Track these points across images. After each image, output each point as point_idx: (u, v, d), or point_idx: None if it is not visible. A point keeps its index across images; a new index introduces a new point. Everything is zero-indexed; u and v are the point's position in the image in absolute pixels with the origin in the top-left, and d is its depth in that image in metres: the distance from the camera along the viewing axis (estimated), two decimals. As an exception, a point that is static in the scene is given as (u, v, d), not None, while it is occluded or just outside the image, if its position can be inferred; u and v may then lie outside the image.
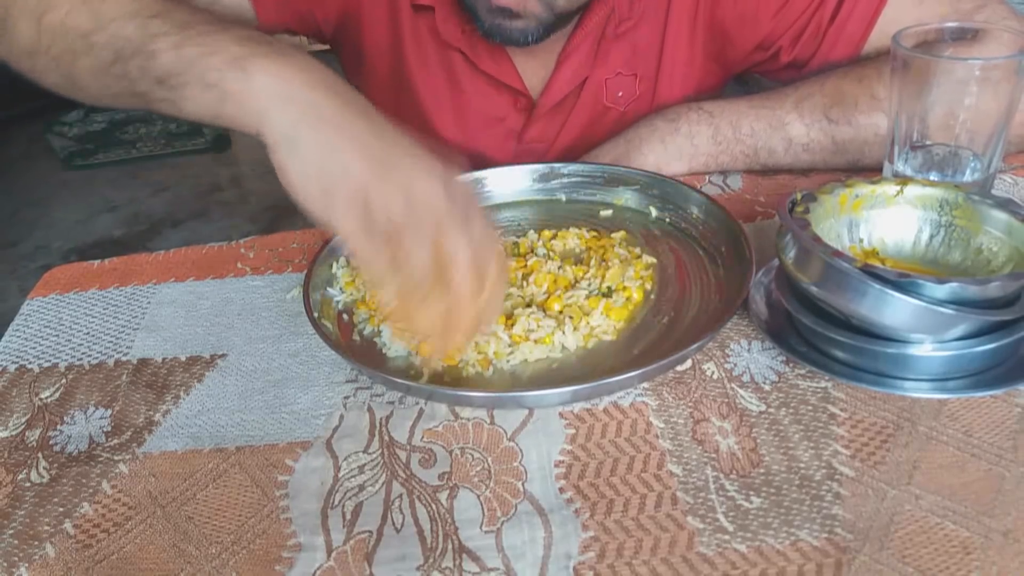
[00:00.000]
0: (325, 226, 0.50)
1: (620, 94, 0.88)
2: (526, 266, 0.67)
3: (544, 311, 0.63)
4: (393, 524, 0.49)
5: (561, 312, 0.62)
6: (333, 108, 0.50)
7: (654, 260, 0.69)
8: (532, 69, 0.88)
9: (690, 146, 0.81)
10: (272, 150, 0.50)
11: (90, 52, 0.59)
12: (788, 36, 0.83)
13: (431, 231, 0.49)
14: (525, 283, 0.66)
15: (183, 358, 0.65)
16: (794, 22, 0.82)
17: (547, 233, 0.73)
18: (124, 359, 0.66)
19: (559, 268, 0.67)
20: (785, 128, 0.79)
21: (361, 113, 0.51)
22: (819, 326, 0.56)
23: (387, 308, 0.53)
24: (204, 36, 0.53)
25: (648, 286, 0.66)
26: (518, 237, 0.73)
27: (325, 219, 0.49)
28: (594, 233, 0.72)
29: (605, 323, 0.62)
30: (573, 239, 0.71)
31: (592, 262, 0.68)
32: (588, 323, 0.61)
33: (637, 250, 0.70)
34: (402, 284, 0.50)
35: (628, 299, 0.64)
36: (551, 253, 0.70)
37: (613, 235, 0.72)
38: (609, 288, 0.64)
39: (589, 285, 0.65)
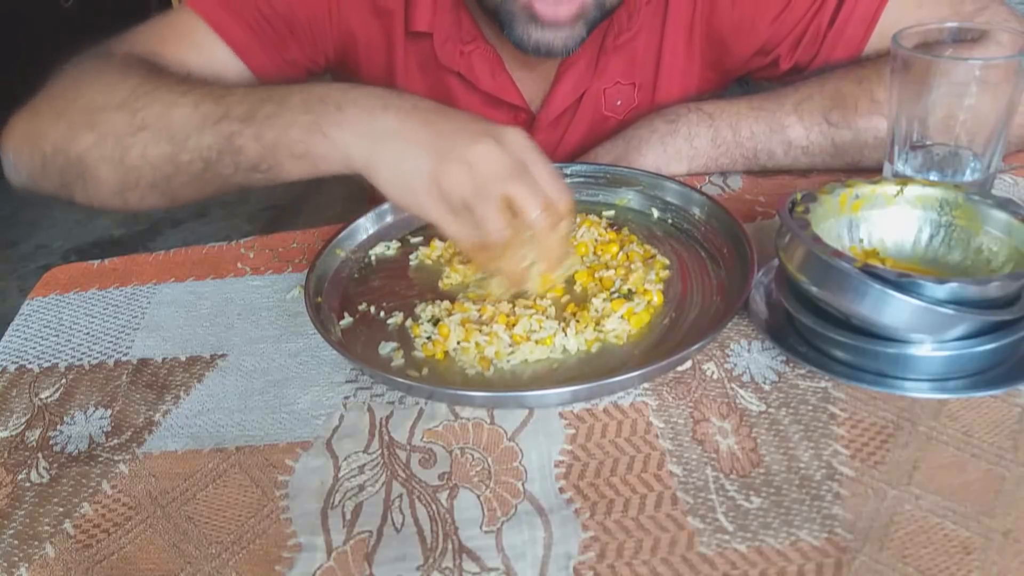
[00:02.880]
0: (421, 217, 0.60)
1: (619, 103, 0.88)
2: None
3: (558, 308, 0.63)
4: (393, 524, 0.49)
5: (574, 315, 0.62)
6: (392, 123, 0.59)
7: (666, 260, 0.68)
8: (531, 83, 0.88)
9: (689, 148, 0.81)
10: (368, 178, 0.60)
11: (181, 170, 0.66)
12: (787, 43, 0.82)
13: (497, 190, 0.57)
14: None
15: (183, 358, 0.65)
16: (793, 28, 0.81)
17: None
18: (124, 359, 0.66)
19: (603, 268, 0.67)
20: (785, 131, 0.78)
21: (413, 113, 0.59)
22: (819, 326, 0.56)
23: (487, 265, 0.63)
24: (273, 118, 0.61)
25: (662, 287, 0.66)
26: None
27: (417, 213, 0.60)
28: (612, 229, 0.72)
29: (621, 328, 0.61)
30: (591, 229, 0.71)
31: (618, 257, 0.68)
32: (595, 328, 0.61)
33: (652, 248, 0.70)
34: (489, 244, 0.59)
35: (649, 302, 0.63)
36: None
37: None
38: (630, 291, 0.64)
39: (612, 287, 0.65)
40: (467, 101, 0.88)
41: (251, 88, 0.65)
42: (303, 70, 0.87)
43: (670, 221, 0.74)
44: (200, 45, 0.80)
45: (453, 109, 0.61)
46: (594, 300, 0.63)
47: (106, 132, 0.67)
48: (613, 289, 0.64)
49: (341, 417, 0.58)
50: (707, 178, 0.81)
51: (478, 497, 0.51)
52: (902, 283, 0.51)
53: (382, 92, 0.61)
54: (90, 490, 0.54)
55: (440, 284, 0.69)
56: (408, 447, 0.55)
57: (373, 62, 0.87)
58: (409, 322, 0.65)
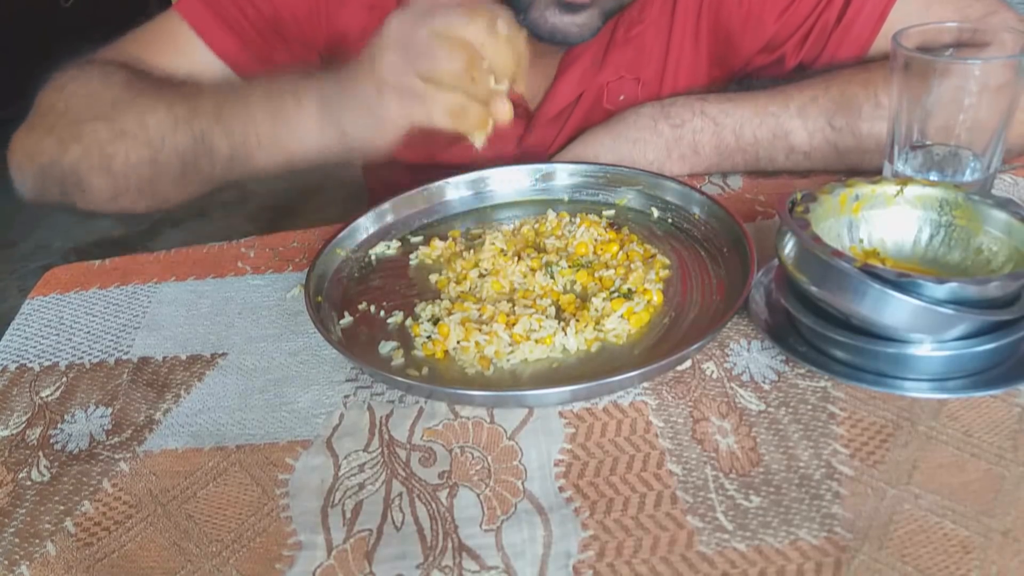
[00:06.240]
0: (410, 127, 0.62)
1: (622, 97, 0.87)
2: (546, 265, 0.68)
3: (558, 307, 0.63)
4: (393, 522, 0.49)
5: (573, 314, 0.62)
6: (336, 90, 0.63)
7: (667, 260, 0.69)
8: (530, 79, 0.85)
9: (693, 155, 0.81)
10: (343, 145, 0.64)
11: (161, 172, 0.71)
12: (794, 40, 0.82)
13: (426, 39, 0.58)
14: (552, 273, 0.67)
15: (183, 357, 0.65)
16: (800, 23, 0.81)
17: (564, 214, 0.74)
18: (125, 358, 0.66)
19: (594, 265, 0.67)
20: (788, 137, 0.78)
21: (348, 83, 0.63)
22: (819, 326, 0.56)
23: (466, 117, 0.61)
24: (239, 113, 0.66)
25: (662, 287, 0.66)
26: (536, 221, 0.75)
27: (399, 131, 0.62)
28: (612, 229, 0.73)
29: (620, 327, 0.61)
30: (589, 229, 0.71)
31: (619, 256, 0.68)
32: (595, 328, 0.61)
33: (652, 248, 0.70)
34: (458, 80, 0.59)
35: (649, 302, 0.63)
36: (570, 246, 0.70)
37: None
38: (630, 290, 0.64)
39: (612, 286, 0.65)
40: None
41: (220, 86, 0.68)
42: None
43: (670, 221, 0.74)
44: (185, 50, 0.80)
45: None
46: (594, 299, 0.63)
47: (91, 143, 0.71)
48: (613, 289, 0.64)
49: (341, 416, 0.58)
50: (707, 178, 0.82)
51: (478, 496, 0.51)
52: (902, 283, 0.51)
53: (326, 75, 0.64)
54: (91, 488, 0.54)
55: (436, 282, 0.69)
56: (408, 446, 0.55)
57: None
58: (409, 321, 0.65)
